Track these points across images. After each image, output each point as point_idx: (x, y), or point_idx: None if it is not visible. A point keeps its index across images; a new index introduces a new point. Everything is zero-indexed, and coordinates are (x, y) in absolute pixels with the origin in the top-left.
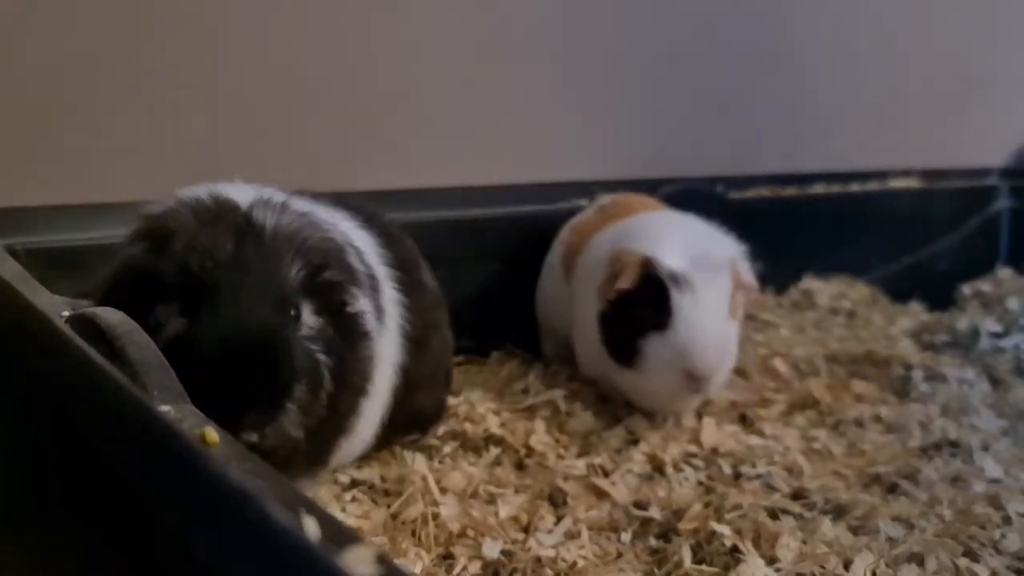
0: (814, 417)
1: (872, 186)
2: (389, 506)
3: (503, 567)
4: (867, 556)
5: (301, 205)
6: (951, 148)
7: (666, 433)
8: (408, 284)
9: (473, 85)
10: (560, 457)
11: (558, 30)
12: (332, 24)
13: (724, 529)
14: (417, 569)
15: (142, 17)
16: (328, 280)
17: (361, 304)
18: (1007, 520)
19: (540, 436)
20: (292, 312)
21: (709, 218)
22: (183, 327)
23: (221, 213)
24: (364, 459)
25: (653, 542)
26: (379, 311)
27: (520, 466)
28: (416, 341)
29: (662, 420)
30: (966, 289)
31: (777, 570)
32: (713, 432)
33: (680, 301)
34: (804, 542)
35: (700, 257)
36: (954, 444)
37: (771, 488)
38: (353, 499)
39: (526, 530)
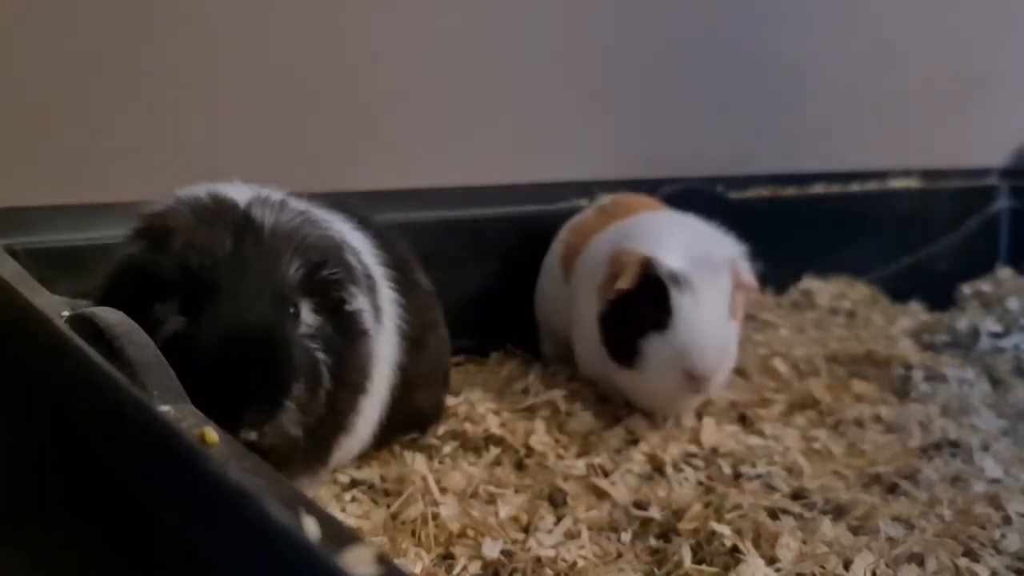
0: (814, 417)
1: (872, 186)
2: (389, 506)
3: (503, 567)
4: (867, 556)
5: (299, 204)
6: (951, 148)
7: (666, 433)
8: (404, 284)
9: (473, 85)
10: (560, 457)
11: (558, 30)
12: (332, 24)
13: (724, 529)
14: (417, 569)
15: (142, 17)
16: (327, 278)
17: (360, 302)
18: (1007, 520)
19: (540, 436)
20: (291, 310)
21: (709, 218)
22: (182, 325)
23: (220, 211)
24: (364, 459)
25: (653, 542)
26: (376, 310)
27: (520, 466)
28: (413, 340)
29: (662, 420)
30: (966, 289)
31: (777, 570)
32: (713, 432)
33: (680, 301)
34: (804, 542)
35: (700, 257)
36: (954, 444)
37: (771, 488)
38: (353, 499)
39: (526, 530)
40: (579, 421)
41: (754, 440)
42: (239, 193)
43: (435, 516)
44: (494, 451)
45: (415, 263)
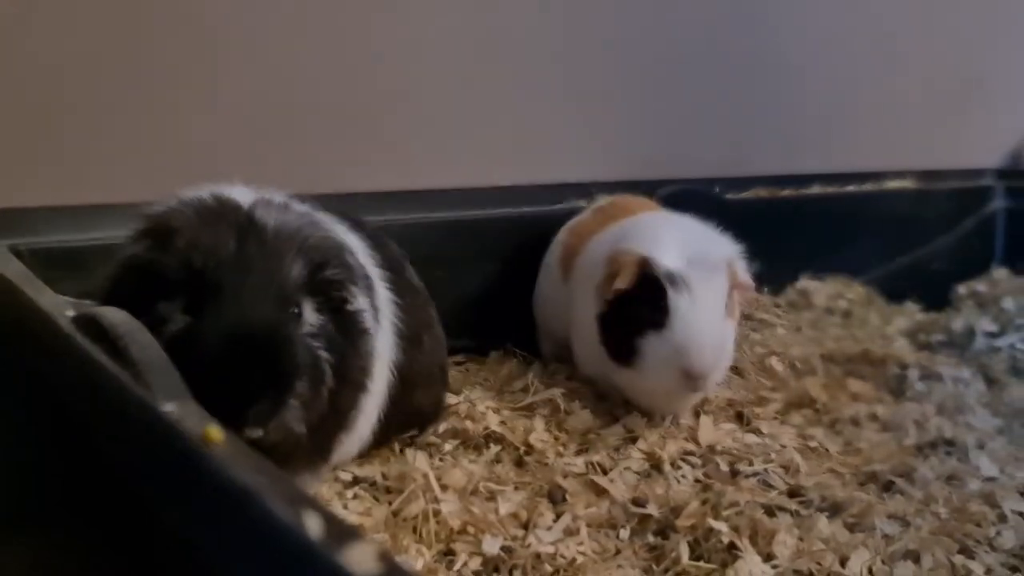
0: (810, 416)
1: (868, 187)
2: (390, 503)
3: (503, 563)
4: (863, 553)
5: (302, 206)
6: (947, 149)
7: (664, 431)
8: (398, 285)
9: (473, 85)
10: (559, 455)
11: (558, 31)
12: (332, 24)
13: (721, 526)
14: (418, 565)
15: (142, 17)
16: (329, 278)
17: (360, 302)
18: (1002, 518)
19: (539, 434)
20: (294, 309)
21: (707, 219)
22: (186, 324)
23: (223, 212)
24: (366, 457)
25: (651, 539)
26: (375, 310)
27: (520, 463)
28: (410, 340)
29: (660, 419)
30: (962, 289)
31: (774, 567)
32: (710, 430)
33: (677, 300)
34: (801, 539)
35: (697, 257)
36: (950, 443)
37: (768, 486)
38: (355, 496)
39: (526, 527)
40: (578, 419)
41: (751, 438)
42: (242, 195)
43: (436, 513)
44: (494, 449)
45: (407, 265)
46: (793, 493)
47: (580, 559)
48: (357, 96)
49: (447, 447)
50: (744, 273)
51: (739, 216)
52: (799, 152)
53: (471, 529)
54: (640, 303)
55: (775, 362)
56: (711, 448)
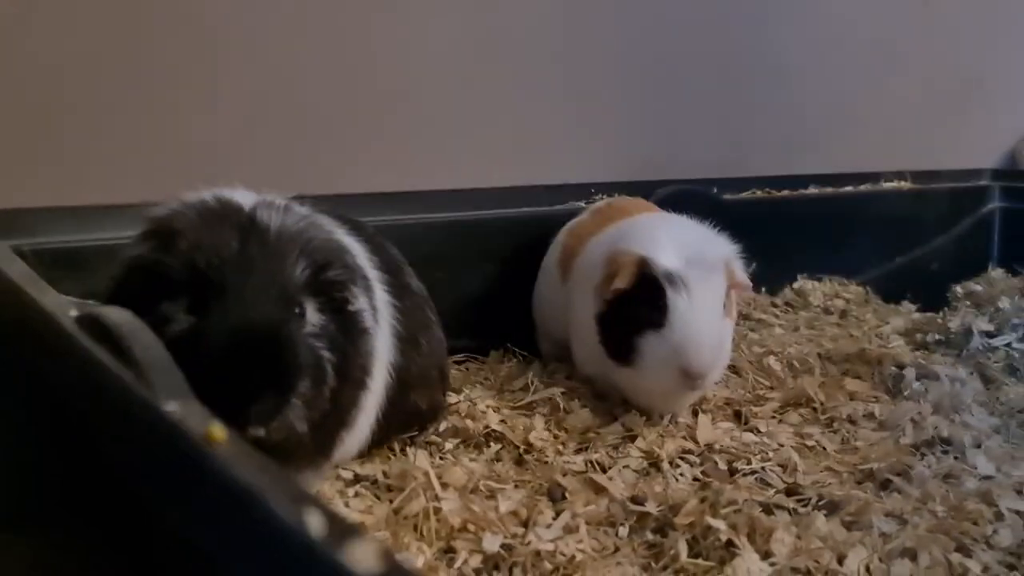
0: (808, 414)
1: (865, 188)
2: (391, 501)
3: (503, 561)
4: (860, 551)
5: (303, 208)
6: (943, 150)
7: (662, 430)
8: (397, 287)
9: (473, 85)
10: (559, 453)
11: (558, 31)
12: (332, 24)
13: (719, 524)
14: (419, 563)
15: (142, 17)
16: (332, 279)
17: (361, 303)
18: (999, 516)
19: (539, 432)
20: (296, 309)
21: (705, 220)
22: (189, 324)
23: (226, 214)
24: (367, 455)
25: (650, 536)
26: (373, 311)
27: (520, 462)
28: (407, 341)
29: (659, 417)
30: (958, 289)
31: (771, 564)
32: (708, 429)
33: (675, 300)
34: (798, 537)
35: (695, 257)
36: (946, 441)
37: (766, 484)
38: (356, 494)
39: (526, 524)
40: (577, 418)
41: (749, 437)
42: (244, 197)
43: (436, 511)
44: (494, 447)
45: (405, 267)
46: (791, 491)
47: (579, 556)
48: (357, 96)
49: (448, 446)
50: (742, 273)
51: (737, 217)
52: (797, 153)
53: (471, 527)
54: (639, 303)
55: (773, 361)
56: (709, 447)
